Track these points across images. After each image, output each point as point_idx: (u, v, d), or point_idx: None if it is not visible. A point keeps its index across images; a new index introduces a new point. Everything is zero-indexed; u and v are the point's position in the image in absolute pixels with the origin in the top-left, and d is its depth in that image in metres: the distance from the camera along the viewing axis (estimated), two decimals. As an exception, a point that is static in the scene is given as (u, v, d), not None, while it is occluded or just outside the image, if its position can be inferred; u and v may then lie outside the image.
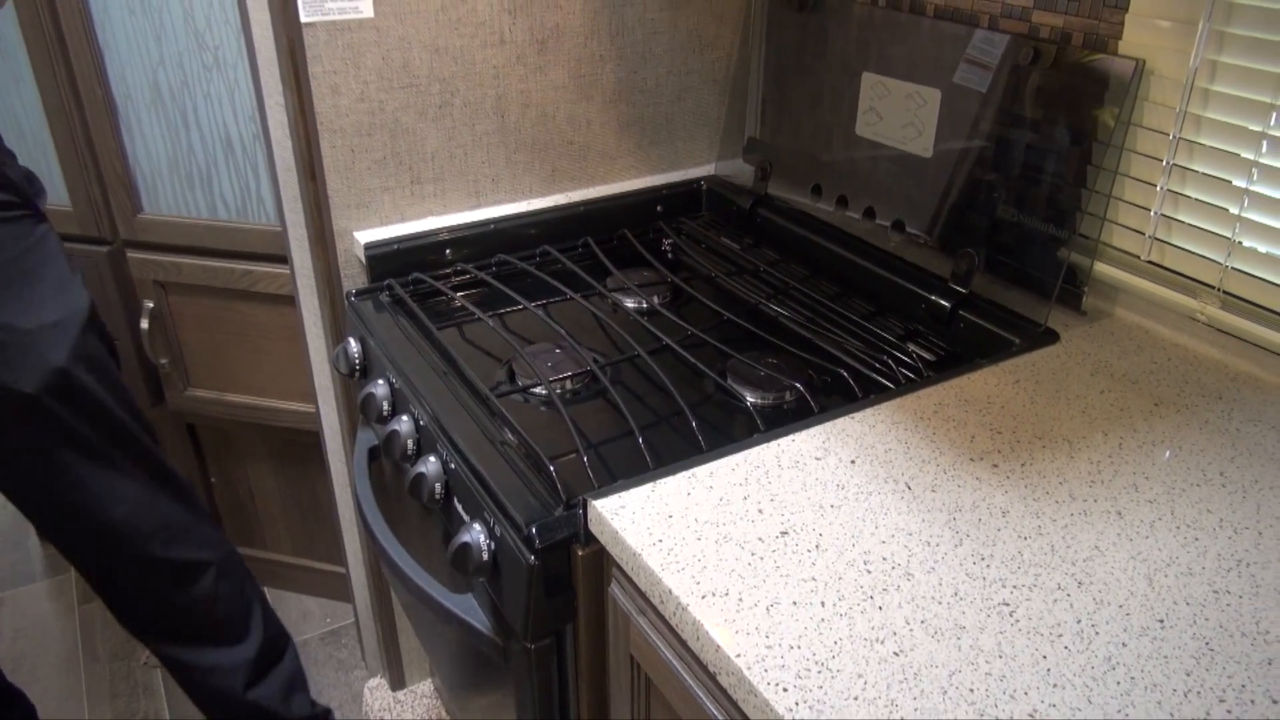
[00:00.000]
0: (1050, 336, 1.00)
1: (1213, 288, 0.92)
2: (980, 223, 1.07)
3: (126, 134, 1.54)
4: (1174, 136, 0.90)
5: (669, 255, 1.33)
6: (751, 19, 1.37)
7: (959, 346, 1.05)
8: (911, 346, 1.05)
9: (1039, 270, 1.01)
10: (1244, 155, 0.86)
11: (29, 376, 1.14)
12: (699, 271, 1.27)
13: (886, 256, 1.18)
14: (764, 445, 0.83)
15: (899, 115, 1.14)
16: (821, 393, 0.97)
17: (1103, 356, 0.96)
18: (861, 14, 1.19)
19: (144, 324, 1.67)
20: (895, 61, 1.14)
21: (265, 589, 2.01)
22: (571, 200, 1.35)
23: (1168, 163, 0.91)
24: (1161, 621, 0.64)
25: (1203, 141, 0.89)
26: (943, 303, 1.07)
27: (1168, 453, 0.81)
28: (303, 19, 1.11)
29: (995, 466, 0.80)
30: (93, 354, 1.22)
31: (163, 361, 1.72)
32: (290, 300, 1.60)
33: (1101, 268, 1.01)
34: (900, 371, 0.99)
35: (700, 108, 1.42)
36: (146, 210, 1.59)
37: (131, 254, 1.63)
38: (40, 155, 1.58)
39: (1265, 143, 0.85)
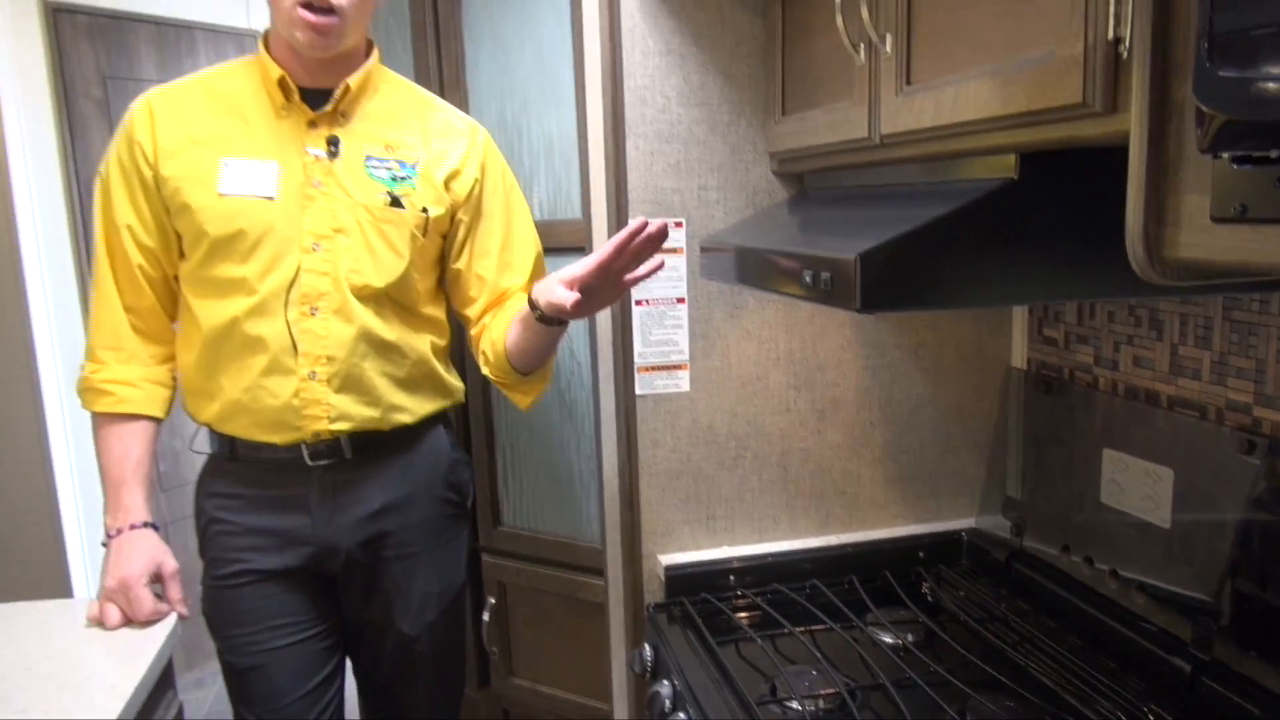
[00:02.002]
0: (1294, 712, 1.02)
1: None
2: (1220, 592, 1.14)
3: (500, 465, 1.99)
4: (1387, 529, 0.97)
5: (928, 598, 1.48)
6: (1008, 396, 1.58)
7: (1198, 712, 1.09)
8: (1149, 707, 1.11)
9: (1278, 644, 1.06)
10: None
11: (412, 622, 1.50)
12: (953, 616, 1.41)
13: (1130, 616, 1.26)
14: (981, 776, 0.94)
15: (1138, 488, 1.27)
16: (1051, 739, 1.05)
17: (1348, 738, 0.98)
18: (1103, 400, 1.36)
19: (485, 616, 2.03)
20: (1133, 441, 1.29)
21: None
22: (841, 541, 1.56)
23: (1386, 552, 0.97)
24: None
25: None
26: (1183, 666, 1.13)
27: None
28: (638, 392, 1.49)
29: (1206, 827, 0.85)
30: (456, 615, 1.58)
31: (494, 650, 2.06)
32: (601, 608, 1.89)
33: (1345, 648, 1.04)
34: (1132, 728, 1.05)
35: (962, 468, 1.62)
36: (505, 524, 2.01)
37: (486, 558, 2.03)
38: (435, 476, 2.08)
39: None
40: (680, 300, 1.48)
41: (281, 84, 1.34)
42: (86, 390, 1.39)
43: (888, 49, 1.04)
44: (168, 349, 1.43)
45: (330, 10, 1.26)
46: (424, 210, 1.39)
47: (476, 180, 1.45)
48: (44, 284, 2.63)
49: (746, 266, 1.22)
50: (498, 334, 1.42)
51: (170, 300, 1.41)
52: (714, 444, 1.52)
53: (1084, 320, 1.43)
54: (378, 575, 1.47)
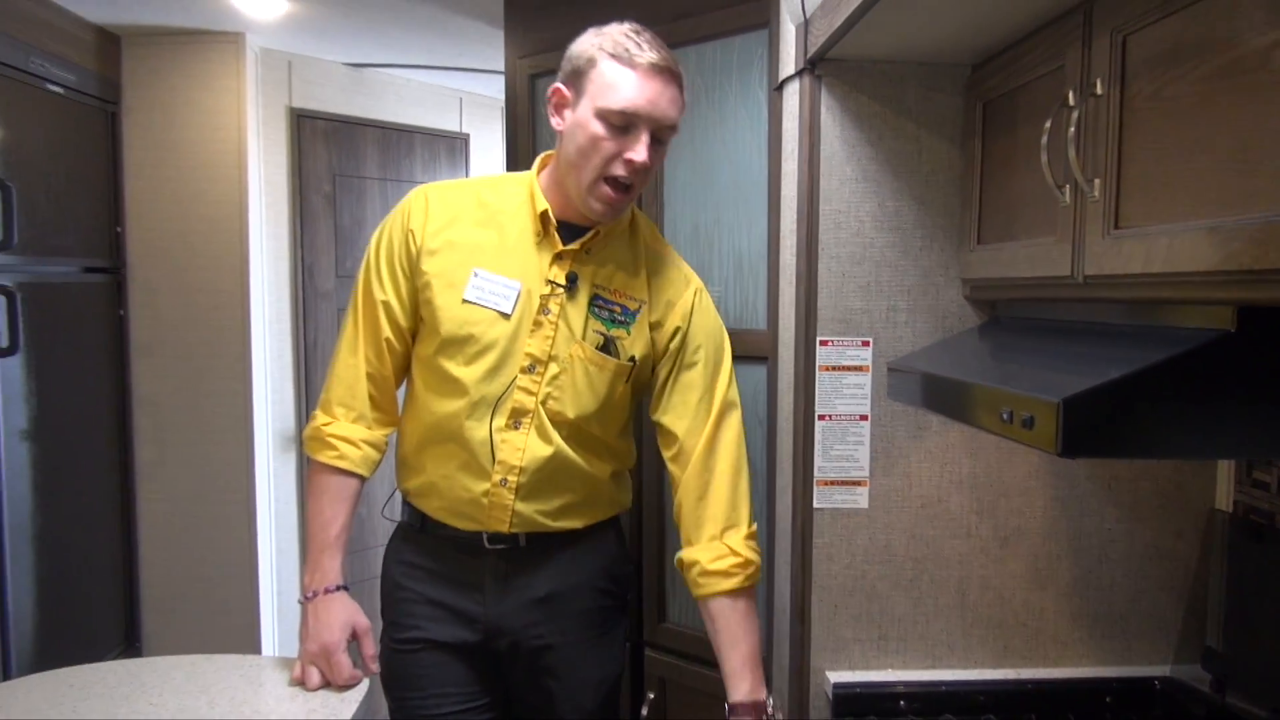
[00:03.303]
0: None
1: None
2: None
3: (668, 562, 2.03)
4: None
5: (1115, 748, 1.40)
6: (1211, 539, 1.50)
7: None
8: None
9: None
10: None
11: (572, 708, 1.54)
12: (1144, 771, 1.32)
13: (1354, 800, 1.15)
14: None
15: (1363, 656, 1.18)
16: None
17: None
18: (1321, 553, 1.28)
19: (644, 710, 2.04)
20: (1357, 603, 1.20)
21: None
22: (1020, 677, 1.50)
23: None
24: None
25: None
26: None
27: None
28: (816, 505, 1.50)
29: None
30: (613, 704, 1.62)
31: (650, 746, 2.06)
32: (761, 716, 1.88)
33: None
34: None
35: (1156, 611, 1.53)
36: (670, 621, 2.03)
37: (649, 653, 2.06)
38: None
39: None
40: (863, 417, 1.49)
41: (543, 217, 1.44)
42: (314, 439, 1.51)
43: (1095, 193, 1.04)
44: (390, 415, 1.54)
45: (630, 187, 1.39)
46: (631, 359, 1.47)
47: (678, 329, 1.49)
48: (265, 357, 2.91)
49: (936, 393, 1.23)
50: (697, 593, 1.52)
51: (401, 372, 1.54)
52: (890, 563, 1.51)
53: (1300, 467, 1.35)
54: (541, 660, 1.53)
